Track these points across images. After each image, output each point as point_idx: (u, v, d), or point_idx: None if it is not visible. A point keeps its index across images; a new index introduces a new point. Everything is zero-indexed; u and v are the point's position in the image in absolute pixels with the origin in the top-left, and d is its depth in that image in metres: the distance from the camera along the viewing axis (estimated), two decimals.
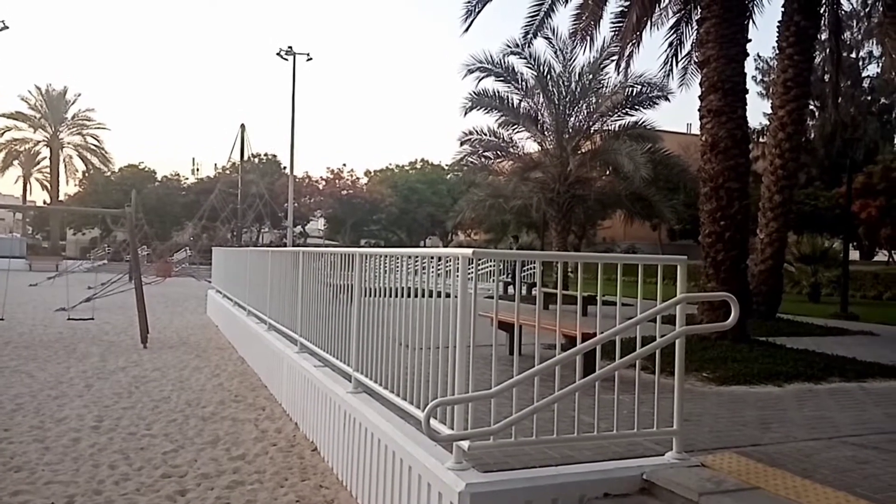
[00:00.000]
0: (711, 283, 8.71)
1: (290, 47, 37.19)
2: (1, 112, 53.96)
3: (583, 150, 21.17)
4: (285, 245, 36.08)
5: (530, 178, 21.38)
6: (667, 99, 19.62)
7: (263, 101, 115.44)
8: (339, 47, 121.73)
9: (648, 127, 20.88)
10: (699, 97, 9.19)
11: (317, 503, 4.67)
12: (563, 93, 20.13)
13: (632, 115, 20.57)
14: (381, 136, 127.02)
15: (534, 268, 17.53)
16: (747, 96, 9.16)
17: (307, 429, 6.30)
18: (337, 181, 55.19)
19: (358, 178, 57.49)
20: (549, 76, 19.77)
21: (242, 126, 40.40)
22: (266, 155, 57.09)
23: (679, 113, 72.74)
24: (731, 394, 5.95)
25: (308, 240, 55.07)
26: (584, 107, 20.58)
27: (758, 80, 38.23)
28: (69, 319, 13.92)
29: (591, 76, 19.87)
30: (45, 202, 58.62)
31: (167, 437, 6.17)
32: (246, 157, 43.13)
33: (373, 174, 60.34)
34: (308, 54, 38.06)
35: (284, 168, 51.80)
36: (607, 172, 22.24)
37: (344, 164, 66.96)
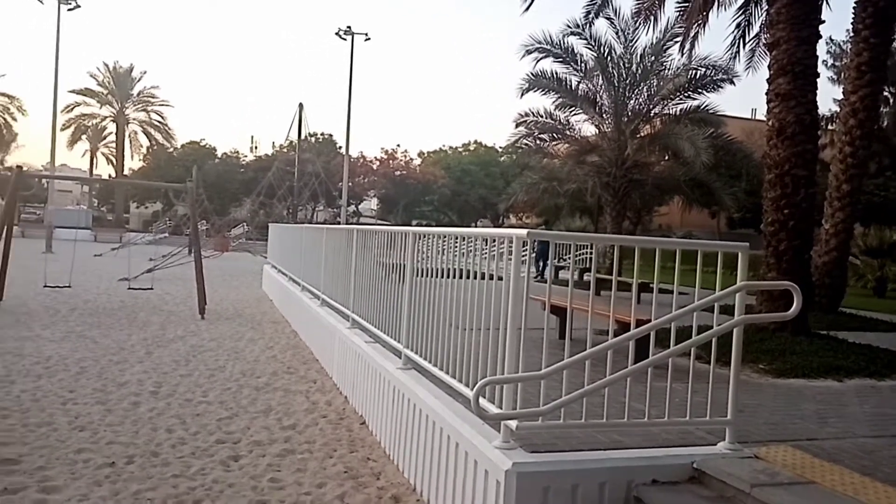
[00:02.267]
0: (772, 274, 8.43)
1: (348, 27, 37.47)
2: (71, 88, 56.07)
3: (641, 134, 20.76)
4: (339, 223, 36.55)
5: (586, 161, 21.09)
6: (732, 82, 19.04)
7: (321, 80, 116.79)
8: (398, 28, 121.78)
9: (711, 111, 20.31)
10: (767, 80, 8.86)
11: (364, 475, 4.74)
12: (624, 75, 19.72)
13: (694, 99, 20.05)
14: (435, 117, 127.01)
15: (588, 252, 17.34)
16: (818, 81, 8.80)
17: (356, 402, 6.41)
18: (391, 162, 55.57)
19: (411, 159, 57.80)
20: (609, 57, 19.39)
21: (300, 105, 41.05)
22: (322, 134, 57.83)
23: (744, 97, 70.34)
24: (789, 386, 5.78)
25: (361, 219, 55.65)
26: (644, 89, 20.14)
27: (829, 64, 36.59)
28: (129, 289, 14.43)
29: (653, 58, 19.42)
30: (110, 176, 60.78)
31: (222, 405, 6.36)
32: (303, 136, 43.82)
33: (426, 155, 60.51)
34: (366, 34, 38.27)
35: (340, 147, 52.38)
36: (666, 157, 21.76)
37: (398, 145, 67.41)
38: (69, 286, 13.71)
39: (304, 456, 5.06)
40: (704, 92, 19.75)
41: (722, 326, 3.72)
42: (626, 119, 20.14)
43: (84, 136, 59.37)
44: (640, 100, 20.26)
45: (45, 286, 13.50)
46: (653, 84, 20.08)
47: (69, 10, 32.18)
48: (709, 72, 19.07)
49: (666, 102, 20.34)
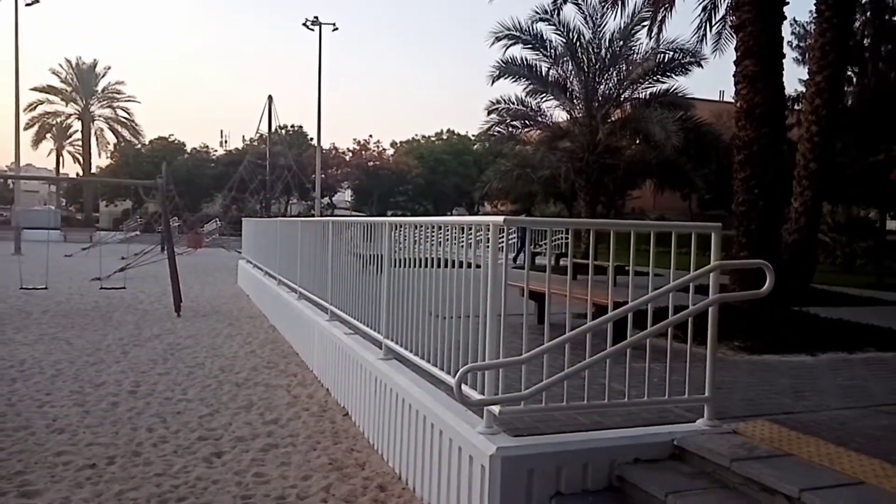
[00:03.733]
0: (744, 253, 8.58)
1: (315, 17, 37.20)
2: (32, 86, 54.76)
3: (612, 119, 20.88)
4: (313, 216, 36.32)
5: (558, 147, 21.19)
6: (700, 65, 19.24)
7: (290, 72, 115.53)
8: (365, 17, 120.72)
9: (680, 94, 20.49)
10: (734, 62, 8.97)
11: (349, 466, 4.76)
12: (593, 60, 19.81)
13: (663, 83, 20.23)
14: (407, 106, 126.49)
15: (563, 237, 17.44)
16: (783, 62, 8.93)
17: (338, 394, 6.41)
18: (363, 152, 55.24)
19: (384, 150, 57.51)
20: (578, 43, 19.47)
21: (270, 97, 40.66)
22: (293, 126, 57.28)
23: (712, 80, 71.04)
24: (764, 363, 5.90)
25: (335, 211, 55.36)
26: (613, 74, 20.25)
27: (794, 45, 37.10)
28: (101, 289, 14.23)
29: (621, 42, 19.52)
30: (77, 175, 59.61)
31: (202, 402, 6.32)
32: (273, 129, 43.35)
33: (399, 145, 60.28)
34: (334, 24, 38.08)
35: (311, 139, 51.94)
36: (637, 141, 21.93)
37: (370, 136, 67.06)
38: (45, 287, 13.48)
39: (287, 450, 5.06)
40: (673, 75, 19.94)
41: (697, 306, 3.79)
42: (596, 104, 20.24)
43: (49, 135, 58.05)
44: (610, 84, 20.37)
45: (22, 288, 13.27)
46: (622, 68, 20.20)
47: (27, 5, 31.41)
48: (677, 55, 19.24)
49: (635, 87, 20.48)
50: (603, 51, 19.73)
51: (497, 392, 3.55)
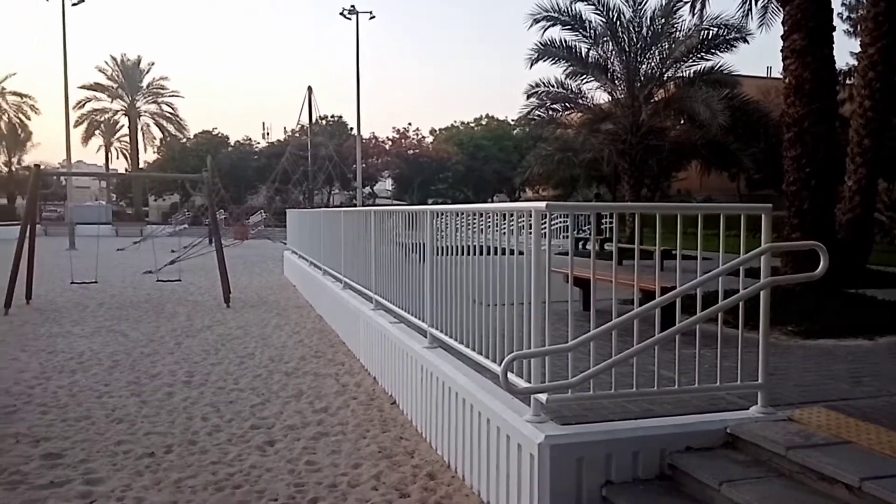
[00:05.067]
0: (796, 234, 8.35)
1: (352, 6, 37.18)
2: (80, 84, 56.36)
3: (656, 99, 20.49)
4: (355, 206, 36.63)
5: (600, 129, 20.90)
6: (745, 41, 18.70)
7: (329, 62, 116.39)
8: (402, 3, 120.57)
9: (725, 72, 19.98)
10: (782, 37, 8.70)
11: (398, 454, 4.81)
12: (634, 39, 19.46)
13: (708, 60, 19.76)
14: (445, 93, 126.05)
15: (609, 222, 17.23)
16: (833, 34, 8.61)
17: (385, 383, 6.47)
18: (403, 141, 55.36)
19: (423, 137, 57.51)
20: (618, 22, 19.14)
21: (309, 89, 40.95)
22: (333, 116, 57.70)
23: (759, 56, 68.94)
24: (819, 347, 5.74)
25: (377, 200, 55.70)
26: (656, 53, 19.86)
27: (844, 17, 35.73)
28: (158, 281, 14.64)
29: (663, 20, 19.11)
30: (125, 170, 61.27)
31: (254, 391, 6.46)
32: (314, 120, 43.74)
33: (438, 133, 60.17)
34: (371, 12, 38.07)
35: (351, 129, 52.24)
36: (682, 121, 21.49)
37: (409, 124, 66.95)
38: (96, 282, 13.93)
39: (337, 438, 5.14)
40: (717, 52, 19.44)
41: (749, 290, 3.70)
42: (638, 84, 19.88)
43: (97, 132, 59.77)
44: (653, 64, 19.98)
45: (73, 283, 13.73)
46: (664, 47, 19.78)
47: (73, 4, 32.29)
48: (721, 31, 18.75)
49: (679, 65, 20.04)
50: (644, 29, 19.35)
51: (544, 380, 3.53)
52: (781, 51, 8.66)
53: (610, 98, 20.90)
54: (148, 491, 4.17)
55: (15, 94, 56.40)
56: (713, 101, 17.86)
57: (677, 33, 19.53)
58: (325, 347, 8.56)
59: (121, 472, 4.44)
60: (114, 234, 36.04)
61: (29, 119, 57.44)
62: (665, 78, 20.31)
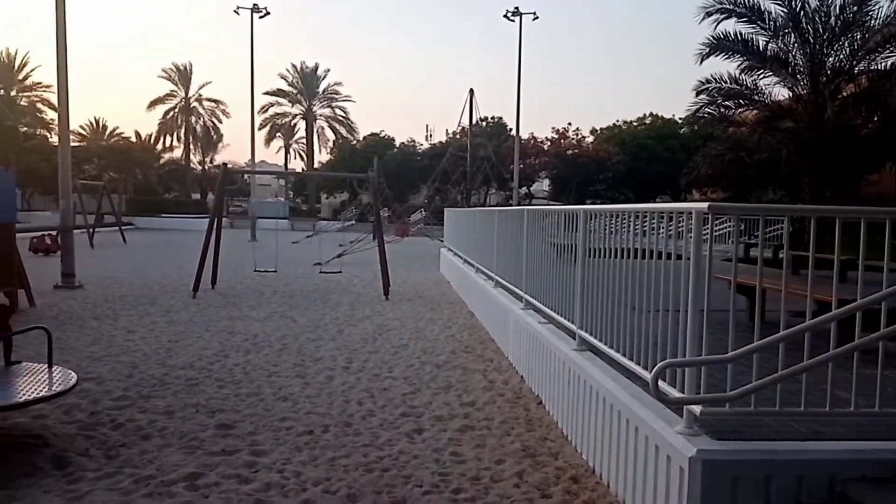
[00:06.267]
0: None
1: (516, 8, 37.32)
2: (265, 90, 61.47)
3: (843, 94, 18.60)
4: (511, 206, 36.81)
5: (778, 127, 19.33)
6: None
7: (490, 64, 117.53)
8: (563, 2, 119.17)
9: None
10: None
11: (542, 454, 4.77)
12: (820, 30, 17.78)
13: None
14: (607, 92, 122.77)
15: (781, 227, 15.95)
16: None
17: (532, 382, 6.44)
18: (562, 141, 54.67)
19: (583, 137, 56.40)
20: (802, 12, 17.58)
21: (471, 91, 41.76)
22: (493, 118, 58.29)
23: None
24: None
25: (533, 200, 55.53)
26: (845, 44, 18.00)
27: None
28: (321, 273, 15.67)
29: (855, 8, 17.30)
30: (301, 169, 65.94)
31: (406, 381, 6.70)
32: (474, 122, 44.52)
33: (599, 132, 58.79)
34: (534, 13, 37.93)
35: (510, 130, 52.50)
36: (875, 118, 19.34)
37: (569, 123, 65.64)
38: (275, 271, 15.18)
39: (483, 432, 5.19)
40: None
41: None
42: (823, 79, 18.15)
43: (278, 134, 64.86)
44: (841, 56, 18.14)
45: (256, 270, 15.08)
46: (856, 37, 17.89)
47: (260, 17, 35.28)
48: None
49: (873, 56, 18.04)
50: (832, 19, 17.63)
51: (698, 391, 3.34)
52: None
53: (790, 94, 19.29)
54: (305, 466, 4.46)
55: (210, 100, 62.86)
56: None
57: (872, 21, 17.60)
58: (475, 343, 8.69)
59: (282, 447, 4.79)
60: (290, 229, 38.86)
61: (220, 122, 63.87)
62: (856, 71, 18.38)
